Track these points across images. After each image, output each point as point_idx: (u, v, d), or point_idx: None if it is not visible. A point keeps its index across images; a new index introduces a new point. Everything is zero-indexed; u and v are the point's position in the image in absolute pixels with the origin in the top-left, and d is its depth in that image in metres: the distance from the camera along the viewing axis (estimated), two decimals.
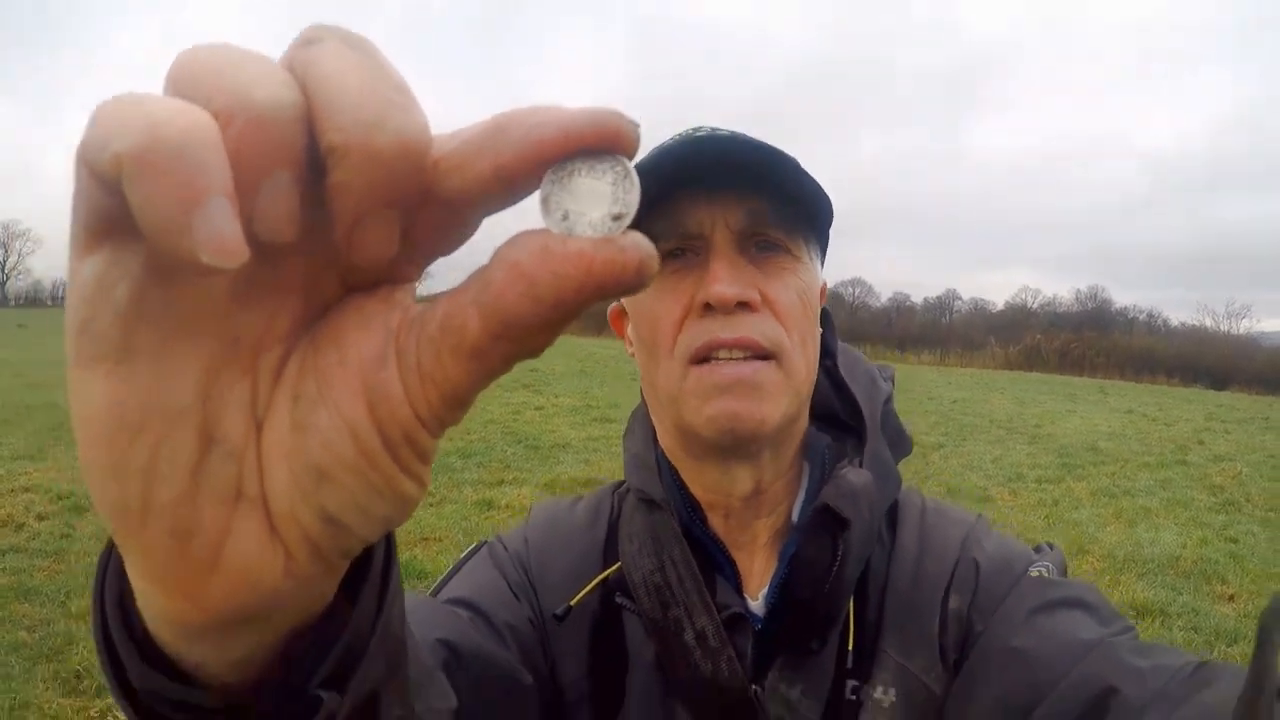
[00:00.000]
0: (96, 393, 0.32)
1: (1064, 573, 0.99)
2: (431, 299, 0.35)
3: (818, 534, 0.96)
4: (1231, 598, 6.27)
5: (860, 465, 1.02)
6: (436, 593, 1.05)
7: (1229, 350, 45.36)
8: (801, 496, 1.05)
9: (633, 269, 0.32)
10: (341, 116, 0.30)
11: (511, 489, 8.85)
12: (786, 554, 1.01)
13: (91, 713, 4.23)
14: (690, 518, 1.04)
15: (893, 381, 1.16)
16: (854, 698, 0.96)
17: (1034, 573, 0.97)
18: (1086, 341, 42.53)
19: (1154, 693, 0.76)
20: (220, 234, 0.27)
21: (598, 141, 0.32)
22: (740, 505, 1.03)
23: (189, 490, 0.33)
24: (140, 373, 0.32)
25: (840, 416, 1.10)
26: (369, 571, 0.46)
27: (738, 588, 1.02)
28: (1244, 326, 67.99)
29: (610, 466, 10.01)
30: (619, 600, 1.05)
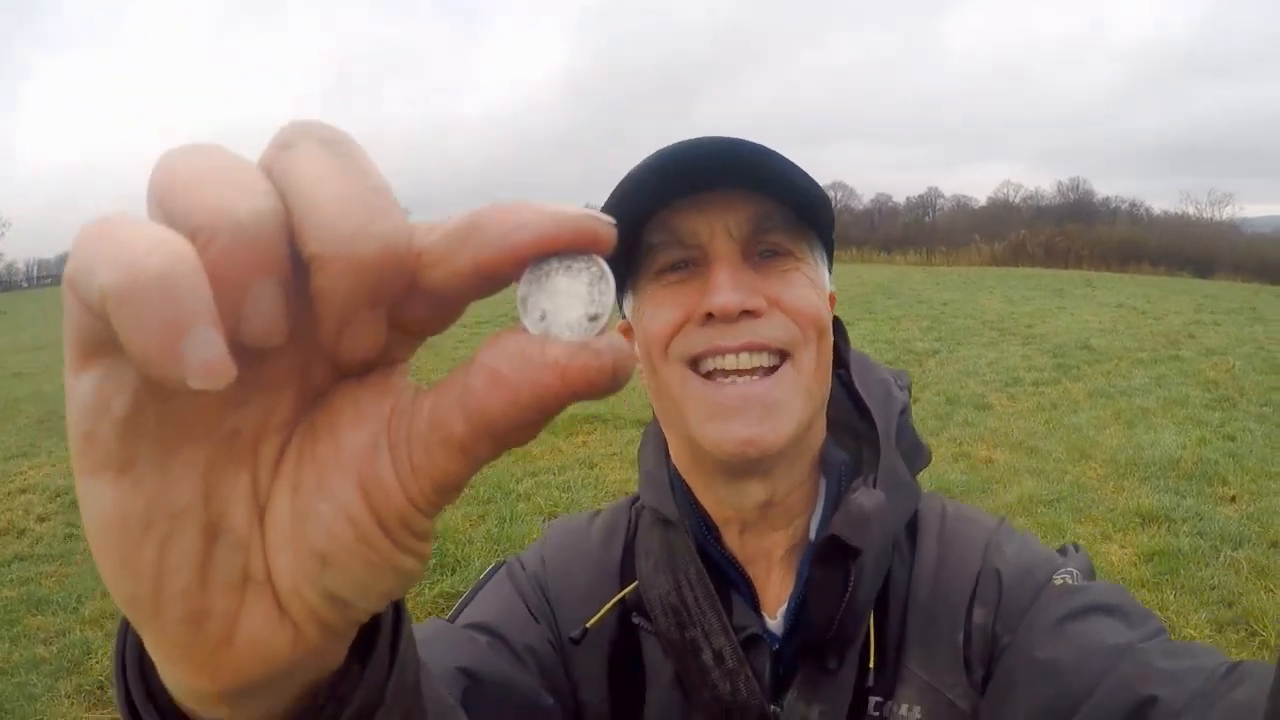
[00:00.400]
0: (104, 499, 0.33)
1: (1090, 576, 0.97)
2: (420, 389, 0.37)
3: (828, 561, 0.96)
4: (1233, 499, 6.36)
5: (874, 482, 1.00)
6: (455, 616, 1.05)
7: (1213, 237, 45.29)
8: (819, 513, 1.04)
9: (608, 373, 0.33)
10: (321, 228, 0.31)
11: None
12: (804, 571, 1.01)
13: None
14: (705, 535, 1.04)
15: (908, 390, 1.14)
16: (877, 715, 0.96)
17: (1058, 581, 0.95)
18: (1071, 235, 42.33)
19: (1191, 694, 0.75)
20: (205, 360, 0.28)
21: (574, 245, 0.33)
22: (754, 518, 1.02)
23: (198, 580, 0.35)
24: (143, 478, 0.33)
25: (855, 428, 1.09)
26: (379, 631, 0.48)
27: (754, 606, 1.02)
28: (1227, 213, 67.54)
29: (610, 400, 10.00)
30: (636, 620, 1.05)
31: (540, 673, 1.00)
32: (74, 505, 7.16)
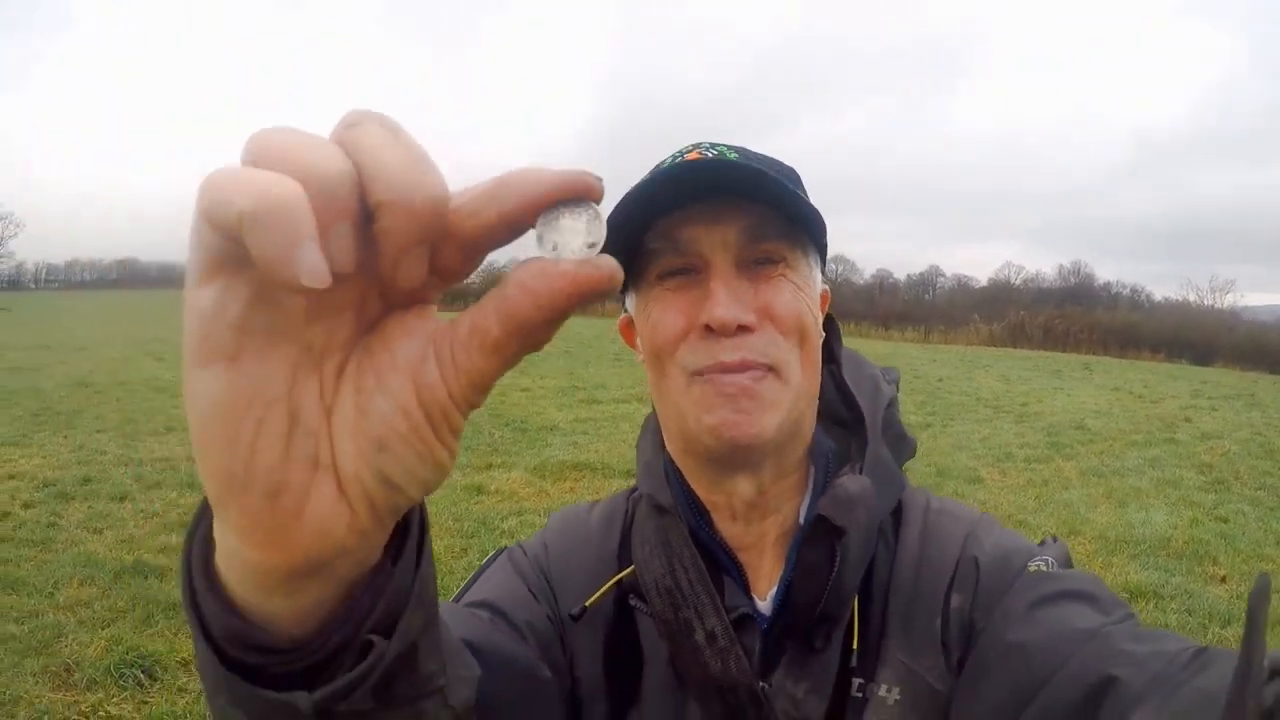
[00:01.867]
0: (215, 385, 0.42)
1: (1067, 565, 1.01)
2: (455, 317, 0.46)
3: (816, 543, 1.00)
4: (1224, 579, 6.31)
5: (861, 470, 1.05)
6: (459, 597, 1.10)
7: (1212, 325, 45.38)
8: (808, 500, 1.08)
9: (606, 279, 0.43)
10: (385, 182, 0.41)
11: (500, 473, 8.89)
12: (793, 555, 1.05)
13: (83, 707, 4.20)
14: (698, 522, 1.09)
15: (897, 385, 1.19)
16: (859, 695, 0.99)
17: (1033, 567, 0.98)
18: (1070, 317, 42.53)
19: (1152, 677, 0.76)
20: (314, 265, 0.38)
21: (574, 194, 0.44)
22: (744, 508, 1.06)
23: (282, 456, 0.44)
24: (247, 370, 0.43)
25: (844, 420, 1.13)
26: (408, 537, 0.56)
27: (745, 588, 1.06)
28: (1228, 301, 67.98)
29: (599, 449, 9.99)
30: (632, 602, 1.11)
31: (539, 647, 1.04)
32: (61, 496, 7.56)
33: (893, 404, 1.16)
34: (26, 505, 7.33)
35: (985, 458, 10.30)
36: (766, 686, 1.00)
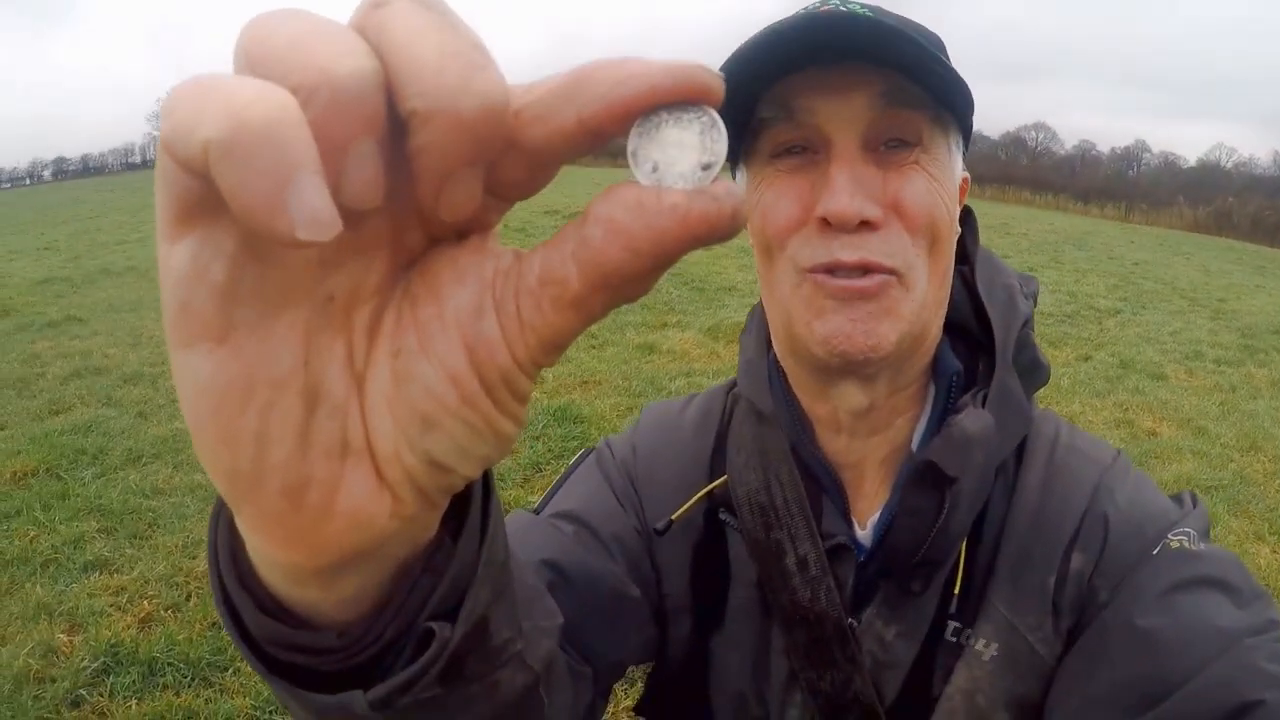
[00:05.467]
0: (202, 370, 0.34)
1: (1206, 536, 0.91)
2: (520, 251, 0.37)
3: (922, 487, 0.90)
4: None
5: (985, 402, 0.94)
6: (544, 504, 1.06)
7: None
8: (924, 423, 0.98)
9: (727, 218, 0.33)
10: (422, 83, 0.31)
11: (674, 332, 8.89)
12: (901, 481, 0.97)
13: None
14: (800, 434, 1.00)
15: (1035, 299, 1.06)
16: (954, 639, 0.93)
17: (1175, 543, 0.88)
18: None
19: None
20: (313, 209, 0.28)
21: (684, 96, 0.33)
22: (851, 421, 0.97)
23: (299, 449, 0.35)
24: (243, 346, 0.34)
25: (974, 334, 1.01)
26: (470, 504, 0.49)
27: (844, 513, 0.98)
28: None
29: None
30: (723, 516, 1.04)
31: (626, 562, 1.00)
32: None
33: (1028, 323, 1.02)
34: None
35: (1174, 353, 9.83)
36: (855, 624, 0.94)
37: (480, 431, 0.37)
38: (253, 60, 0.31)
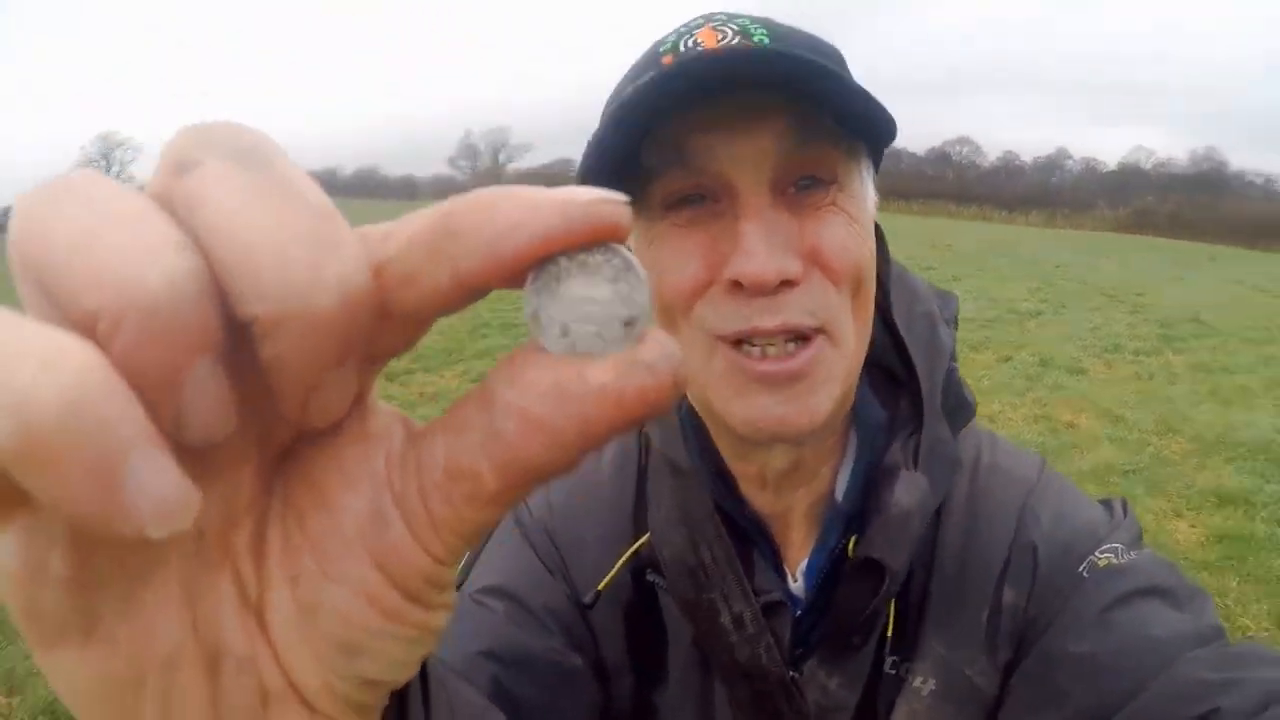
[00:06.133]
0: (76, 673, 0.28)
1: (1137, 544, 0.87)
2: (417, 431, 0.30)
3: (861, 577, 0.85)
4: None
5: (915, 456, 0.88)
6: (466, 573, 0.98)
7: None
8: (848, 471, 0.93)
9: (668, 390, 0.26)
10: (262, 282, 0.23)
11: None
12: (828, 531, 0.92)
13: None
14: (722, 491, 0.93)
15: (955, 321, 0.99)
16: (893, 672, 0.89)
17: (1102, 561, 0.84)
18: (1199, 205, 40.85)
19: (1258, 703, 0.67)
20: (159, 498, 0.21)
21: (585, 240, 0.26)
22: (777, 479, 0.90)
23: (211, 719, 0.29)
24: (115, 636, 0.27)
25: (895, 373, 0.95)
26: (409, 688, 0.47)
27: (776, 566, 0.93)
28: None
29: None
30: (650, 578, 0.96)
31: (562, 631, 0.93)
32: None
33: (953, 357, 0.96)
34: None
35: (1093, 348, 10.02)
36: (797, 676, 0.90)
37: (415, 639, 0.31)
38: (35, 271, 0.23)
